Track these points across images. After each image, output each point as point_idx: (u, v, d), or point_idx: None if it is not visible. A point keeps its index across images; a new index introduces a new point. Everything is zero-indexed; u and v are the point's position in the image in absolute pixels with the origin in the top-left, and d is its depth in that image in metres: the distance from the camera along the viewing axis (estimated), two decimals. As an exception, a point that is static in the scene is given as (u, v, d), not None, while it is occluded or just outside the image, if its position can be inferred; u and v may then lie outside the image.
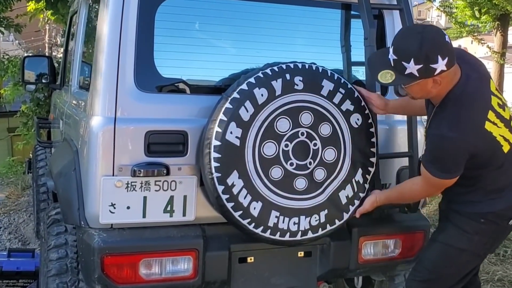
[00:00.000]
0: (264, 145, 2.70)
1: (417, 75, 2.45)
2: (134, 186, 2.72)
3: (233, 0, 3.01)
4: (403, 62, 2.45)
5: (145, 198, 2.74)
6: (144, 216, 2.75)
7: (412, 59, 2.41)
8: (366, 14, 3.03)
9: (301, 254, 3.12)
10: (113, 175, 2.70)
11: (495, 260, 4.89)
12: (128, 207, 2.72)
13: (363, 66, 3.22)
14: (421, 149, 3.14)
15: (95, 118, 2.76)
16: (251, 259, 3.03)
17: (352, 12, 3.23)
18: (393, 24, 3.23)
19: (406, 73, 2.46)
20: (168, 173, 2.74)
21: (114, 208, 2.70)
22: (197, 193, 2.80)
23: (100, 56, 2.79)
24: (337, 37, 3.27)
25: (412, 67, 2.43)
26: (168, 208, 2.79)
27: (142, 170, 2.69)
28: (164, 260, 2.83)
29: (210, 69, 3.05)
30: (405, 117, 3.15)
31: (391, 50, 2.51)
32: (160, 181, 2.75)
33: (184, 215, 2.81)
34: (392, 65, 2.50)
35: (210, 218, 2.87)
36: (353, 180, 2.87)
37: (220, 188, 2.65)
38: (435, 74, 2.44)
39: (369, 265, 3.22)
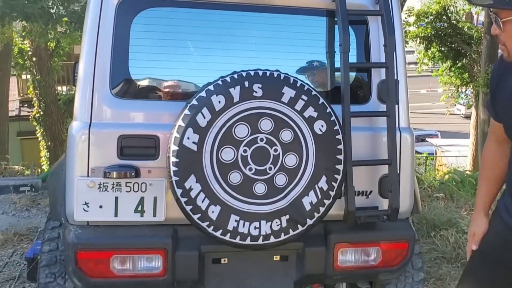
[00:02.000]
0: (222, 150, 2.68)
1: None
2: (106, 187, 2.81)
3: (205, 11, 3.01)
4: None
5: (116, 198, 2.82)
6: (116, 215, 2.83)
7: None
8: (341, 20, 2.92)
9: (276, 258, 3.06)
10: (87, 176, 2.81)
11: None
12: (100, 206, 2.81)
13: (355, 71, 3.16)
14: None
15: (74, 123, 2.89)
16: (225, 260, 3.02)
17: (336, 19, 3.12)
18: (378, 29, 3.09)
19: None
20: (138, 175, 2.81)
21: (88, 206, 2.80)
22: (168, 195, 2.83)
23: (80, 64, 2.91)
24: (322, 44, 3.17)
25: None
26: (139, 208, 2.85)
27: (112, 172, 2.78)
28: (134, 257, 2.89)
29: (182, 77, 3.08)
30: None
31: None
32: (130, 182, 2.82)
33: (154, 215, 2.85)
34: None
35: (182, 220, 2.90)
36: (316, 186, 2.78)
37: (178, 191, 2.67)
38: None
39: (346, 272, 3.10)
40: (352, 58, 3.09)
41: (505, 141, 2.42)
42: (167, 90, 3.06)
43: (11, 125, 18.82)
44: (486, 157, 2.58)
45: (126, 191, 2.82)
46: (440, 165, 21.86)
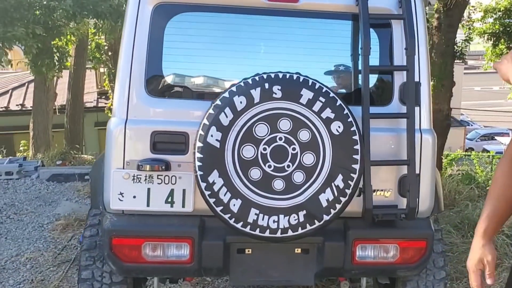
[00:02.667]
0: (243, 148, 2.82)
1: None
2: (139, 179, 3.00)
3: (234, 15, 3.14)
4: None
5: (149, 189, 3.01)
6: (148, 205, 3.02)
7: None
8: (363, 24, 3.00)
9: (298, 250, 3.18)
10: (123, 168, 3.01)
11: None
12: (134, 196, 3.00)
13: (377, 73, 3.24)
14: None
15: (112, 119, 3.09)
16: (249, 251, 3.17)
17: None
18: (401, 33, 3.14)
19: None
20: (168, 169, 2.99)
21: (123, 196, 3.00)
22: (196, 187, 2.99)
23: (119, 64, 3.11)
24: (346, 47, 3.25)
25: None
26: (169, 200, 3.03)
27: (145, 165, 2.97)
28: (164, 245, 3.08)
29: (211, 78, 3.24)
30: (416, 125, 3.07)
31: None
32: (161, 175, 3.00)
33: (183, 206, 3.03)
34: None
35: (209, 211, 3.04)
36: (333, 184, 2.87)
37: (202, 185, 2.82)
38: None
39: (364, 267, 3.18)
40: (375, 61, 3.18)
41: None
42: (196, 90, 3.24)
43: (90, 116, 19.62)
44: (497, 177, 2.13)
45: (158, 183, 3.00)
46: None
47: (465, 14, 15.14)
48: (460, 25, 15.58)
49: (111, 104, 16.99)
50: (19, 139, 16.80)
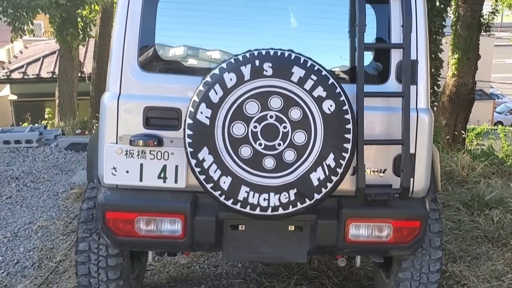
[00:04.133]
0: (233, 125, 2.78)
1: None
2: (132, 154, 3.00)
3: None
4: None
5: (141, 164, 3.00)
6: (141, 180, 3.01)
7: None
8: (358, 0, 2.92)
9: (291, 228, 3.16)
10: (116, 143, 3.01)
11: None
12: (127, 171, 3.00)
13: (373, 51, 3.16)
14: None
15: (105, 94, 3.08)
16: (242, 227, 3.15)
17: None
18: (399, 10, 3.04)
19: None
20: (161, 145, 2.98)
21: (116, 171, 3.00)
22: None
23: (112, 39, 3.09)
24: (344, 24, 3.17)
25: None
26: (162, 175, 3.02)
27: (137, 140, 2.96)
28: (156, 220, 3.08)
29: (205, 53, 3.20)
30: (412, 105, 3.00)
31: None
32: (154, 151, 2.99)
33: (176, 182, 3.01)
34: None
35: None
36: (324, 163, 2.82)
37: (193, 162, 2.80)
38: None
39: (357, 246, 3.15)
40: (372, 38, 3.10)
41: None
42: (189, 65, 3.20)
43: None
44: None
45: (150, 159, 2.99)
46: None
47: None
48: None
49: (107, 78, 17.37)
50: (49, 106, 16.98)
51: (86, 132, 10.34)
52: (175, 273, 4.31)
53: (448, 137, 11.29)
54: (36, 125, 10.67)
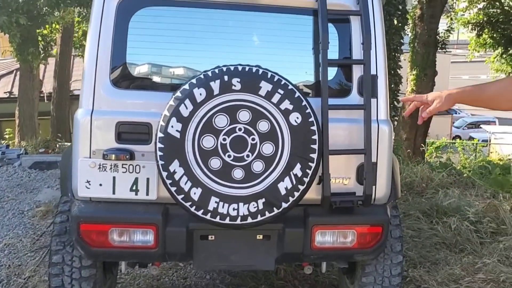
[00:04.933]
0: (203, 138, 2.90)
1: None
2: (105, 167, 3.09)
3: (195, 9, 3.23)
4: None
5: (114, 177, 3.10)
6: (113, 193, 3.11)
7: None
8: (321, 19, 3.11)
9: (260, 237, 3.29)
10: (89, 157, 3.11)
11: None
12: (100, 184, 3.10)
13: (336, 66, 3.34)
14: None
15: (79, 110, 3.19)
16: (212, 237, 3.27)
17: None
18: (359, 28, 3.24)
19: None
20: (133, 158, 3.09)
21: (89, 184, 3.09)
22: (159, 176, 3.08)
23: (85, 57, 3.20)
24: (308, 41, 3.35)
25: None
26: (134, 188, 3.12)
27: (110, 154, 3.06)
28: (129, 231, 3.18)
29: (174, 70, 3.34)
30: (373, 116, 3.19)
31: None
32: (126, 164, 3.09)
33: (147, 194, 3.12)
34: None
35: (172, 199, 3.15)
36: (292, 173, 2.97)
37: (164, 174, 2.91)
38: None
39: (323, 252, 3.29)
40: (335, 54, 3.29)
41: None
42: (159, 82, 3.34)
43: (77, 103, 19.60)
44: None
45: (123, 172, 3.09)
46: (491, 153, 21.53)
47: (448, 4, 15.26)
48: (444, 16, 15.75)
49: (80, 95, 17.39)
50: (6, 126, 16.77)
51: (50, 151, 10.32)
52: (145, 285, 4.39)
53: (408, 150, 11.63)
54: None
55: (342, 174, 3.23)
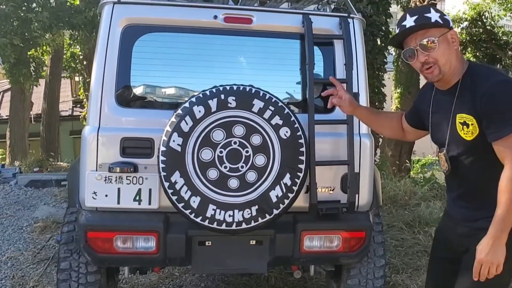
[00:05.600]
0: (201, 151, 3.22)
1: (441, 22, 2.47)
2: (110, 179, 3.39)
3: (195, 35, 3.57)
4: (425, 15, 2.49)
5: (119, 189, 3.39)
6: (118, 202, 3.40)
7: (431, 9, 2.52)
8: (307, 42, 3.46)
9: (253, 242, 3.58)
10: (96, 170, 3.41)
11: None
12: (106, 195, 3.39)
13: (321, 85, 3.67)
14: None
15: (86, 127, 3.49)
16: (209, 243, 3.56)
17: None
18: (342, 50, 3.59)
19: (432, 20, 2.47)
20: (136, 171, 3.39)
21: (96, 195, 3.38)
22: (161, 187, 3.38)
23: (92, 78, 3.51)
24: (296, 62, 3.69)
25: (434, 15, 2.48)
26: (137, 198, 3.41)
27: (115, 167, 3.36)
28: (133, 238, 3.46)
29: (174, 90, 3.67)
30: (355, 130, 3.53)
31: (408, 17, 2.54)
32: (130, 176, 3.39)
33: (149, 204, 3.41)
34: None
35: (172, 208, 3.42)
36: (282, 182, 3.29)
37: (166, 184, 3.22)
38: (451, 25, 2.53)
39: (311, 256, 3.60)
40: (321, 74, 3.64)
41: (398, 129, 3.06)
42: (161, 101, 3.66)
43: (65, 125, 19.85)
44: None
45: (127, 183, 3.39)
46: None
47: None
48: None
49: (86, 113, 17.47)
50: (-5, 147, 16.99)
51: (44, 170, 10.57)
52: (144, 293, 4.67)
53: (394, 167, 11.99)
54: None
55: (328, 184, 3.56)
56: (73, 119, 20.83)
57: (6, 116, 18.67)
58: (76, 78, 22.11)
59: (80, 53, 16.43)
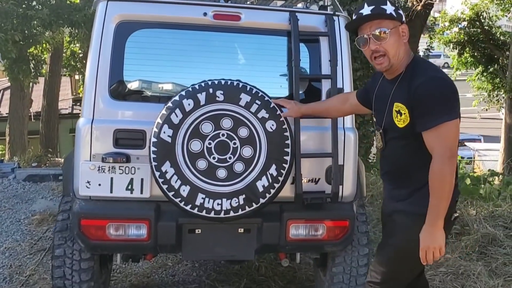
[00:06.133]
0: (191, 142, 3.37)
1: (395, 15, 2.72)
2: (103, 169, 3.54)
3: (185, 31, 3.72)
4: (381, 6, 2.73)
5: (112, 178, 3.54)
6: (111, 191, 3.54)
7: (388, 1, 2.75)
8: (293, 39, 3.62)
9: (241, 230, 3.73)
10: (90, 160, 3.56)
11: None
12: (99, 184, 3.53)
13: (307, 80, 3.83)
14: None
15: (80, 119, 3.64)
16: (198, 231, 3.71)
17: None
18: (327, 47, 3.74)
19: (387, 12, 2.72)
20: (128, 161, 3.54)
21: (90, 184, 3.53)
22: (152, 176, 3.53)
23: (86, 72, 3.67)
24: (283, 58, 3.85)
25: (390, 8, 2.73)
26: (129, 187, 3.56)
27: (108, 158, 3.51)
28: (125, 225, 3.61)
29: (166, 84, 3.82)
30: (340, 124, 3.68)
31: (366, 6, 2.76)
32: (123, 166, 3.54)
33: (141, 193, 3.56)
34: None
35: (163, 197, 3.56)
36: (268, 173, 3.44)
37: (157, 174, 3.37)
38: (403, 20, 2.78)
39: (297, 243, 3.75)
40: (307, 70, 3.79)
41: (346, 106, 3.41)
42: (152, 94, 3.81)
43: (64, 122, 20.00)
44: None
45: (119, 173, 3.54)
46: (475, 169, 22.07)
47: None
48: (424, 36, 16.36)
49: (81, 106, 17.61)
50: (-7, 144, 17.16)
51: (42, 165, 10.73)
52: (137, 281, 4.82)
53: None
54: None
55: (313, 175, 3.71)
56: (73, 117, 20.90)
57: (6, 114, 18.86)
58: (76, 77, 22.35)
59: (80, 51, 16.62)
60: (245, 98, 3.41)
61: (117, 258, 3.98)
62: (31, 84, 15.44)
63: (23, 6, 11.01)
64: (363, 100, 3.28)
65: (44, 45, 13.51)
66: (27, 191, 7.91)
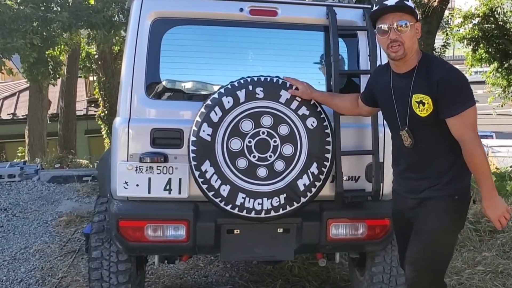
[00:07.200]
0: (231, 141, 3.29)
1: (414, 12, 2.90)
2: (141, 169, 3.46)
3: (221, 27, 3.63)
4: (404, 1, 2.88)
5: (149, 178, 3.46)
6: (149, 192, 3.46)
7: None
8: (332, 34, 3.51)
9: (280, 230, 3.64)
10: (127, 161, 3.47)
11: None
12: (137, 185, 3.45)
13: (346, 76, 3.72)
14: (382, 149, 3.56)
15: (117, 118, 3.55)
16: (237, 231, 3.62)
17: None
18: (366, 42, 3.63)
19: (410, 6, 2.88)
20: (166, 161, 3.45)
21: (127, 185, 3.45)
22: (191, 177, 3.44)
23: (122, 71, 3.58)
24: (320, 54, 3.75)
25: (411, 4, 2.91)
26: (167, 187, 3.48)
27: (146, 158, 3.43)
28: (163, 226, 3.53)
29: (203, 82, 3.73)
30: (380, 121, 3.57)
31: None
32: (160, 166, 3.46)
33: (179, 193, 3.48)
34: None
35: (202, 197, 3.48)
36: (309, 171, 3.35)
37: (196, 173, 3.29)
38: (418, 19, 2.96)
39: (337, 243, 3.65)
40: (345, 65, 3.68)
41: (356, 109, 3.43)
42: (189, 92, 3.72)
43: (80, 124, 19.94)
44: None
45: (157, 173, 3.46)
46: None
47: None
48: (440, 31, 16.20)
49: (101, 112, 17.47)
50: (10, 147, 17.18)
51: (65, 166, 10.69)
52: (170, 283, 4.75)
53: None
54: (15, 161, 10.95)
55: (353, 173, 3.61)
56: (88, 119, 20.94)
57: (22, 116, 18.89)
58: (91, 78, 22.31)
59: (95, 52, 16.57)
60: (285, 94, 3.32)
61: (155, 259, 3.90)
62: (48, 85, 15.38)
63: (42, 8, 10.95)
64: (368, 101, 3.34)
65: (62, 46, 13.46)
66: (52, 193, 7.87)
